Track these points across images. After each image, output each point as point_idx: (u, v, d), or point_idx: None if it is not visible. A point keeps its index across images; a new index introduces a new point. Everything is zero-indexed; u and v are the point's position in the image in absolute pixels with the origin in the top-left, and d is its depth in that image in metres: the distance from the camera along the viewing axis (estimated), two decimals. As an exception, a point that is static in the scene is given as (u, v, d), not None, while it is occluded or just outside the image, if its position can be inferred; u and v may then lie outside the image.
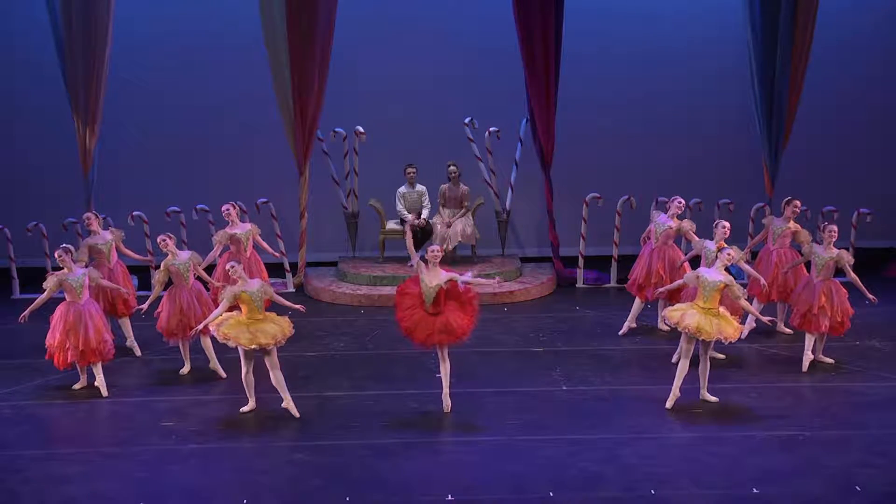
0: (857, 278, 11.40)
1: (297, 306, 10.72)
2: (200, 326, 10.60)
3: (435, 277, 10.24)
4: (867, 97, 16.00)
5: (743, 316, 11.47)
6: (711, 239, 11.80)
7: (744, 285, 12.28)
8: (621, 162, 15.85)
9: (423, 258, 10.33)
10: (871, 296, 11.47)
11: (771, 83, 14.57)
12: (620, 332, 12.76)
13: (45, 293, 10.97)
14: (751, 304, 12.47)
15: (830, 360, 11.72)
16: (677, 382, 10.49)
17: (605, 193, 15.15)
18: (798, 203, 12.51)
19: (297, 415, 10.38)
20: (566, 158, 15.23)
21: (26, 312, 10.94)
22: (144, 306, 11.52)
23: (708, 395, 10.69)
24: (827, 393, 11.04)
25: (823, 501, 8.74)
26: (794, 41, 14.35)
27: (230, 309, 10.46)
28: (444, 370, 10.44)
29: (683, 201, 12.62)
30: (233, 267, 10.41)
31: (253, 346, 10.19)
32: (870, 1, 15.89)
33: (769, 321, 11.28)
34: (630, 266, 12.95)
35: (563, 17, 14.59)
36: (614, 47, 15.67)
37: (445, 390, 10.47)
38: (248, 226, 12.64)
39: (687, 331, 10.30)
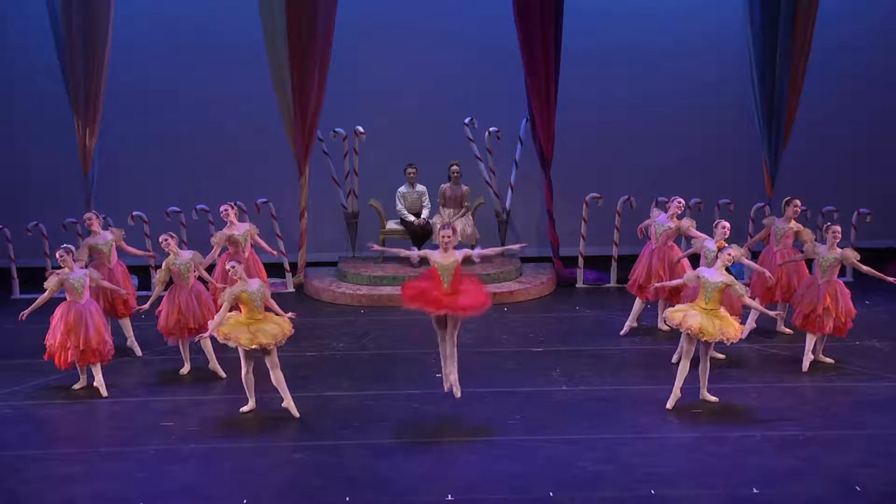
0: (870, 269, 11.39)
1: (289, 314, 10.64)
2: (206, 334, 10.57)
3: (450, 257, 10.16)
4: (867, 97, 16.01)
5: (742, 316, 11.48)
6: (711, 238, 11.80)
7: (745, 285, 12.28)
8: (621, 162, 15.85)
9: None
10: (891, 278, 11.41)
11: (771, 83, 14.56)
12: (622, 333, 12.76)
13: (47, 293, 10.97)
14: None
15: (830, 360, 11.72)
16: (678, 383, 10.49)
17: (605, 193, 15.14)
18: (798, 202, 12.51)
19: (297, 415, 10.38)
20: (566, 158, 15.22)
21: (27, 311, 10.93)
22: (146, 306, 11.52)
23: (708, 395, 10.69)
24: (827, 393, 11.04)
25: (823, 501, 8.74)
26: (794, 41, 14.35)
27: (230, 309, 10.47)
28: (451, 353, 10.24)
29: (683, 201, 12.61)
30: (233, 267, 10.40)
31: (253, 347, 10.19)
32: (870, 1, 15.90)
33: (777, 314, 11.30)
34: (630, 266, 12.95)
35: (563, 17, 14.59)
36: (614, 47, 15.67)
37: (454, 375, 10.28)
38: (246, 226, 12.63)
39: (689, 332, 10.29)
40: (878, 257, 15.30)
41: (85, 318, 10.87)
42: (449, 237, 10.18)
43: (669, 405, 10.50)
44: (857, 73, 15.88)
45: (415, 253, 10.50)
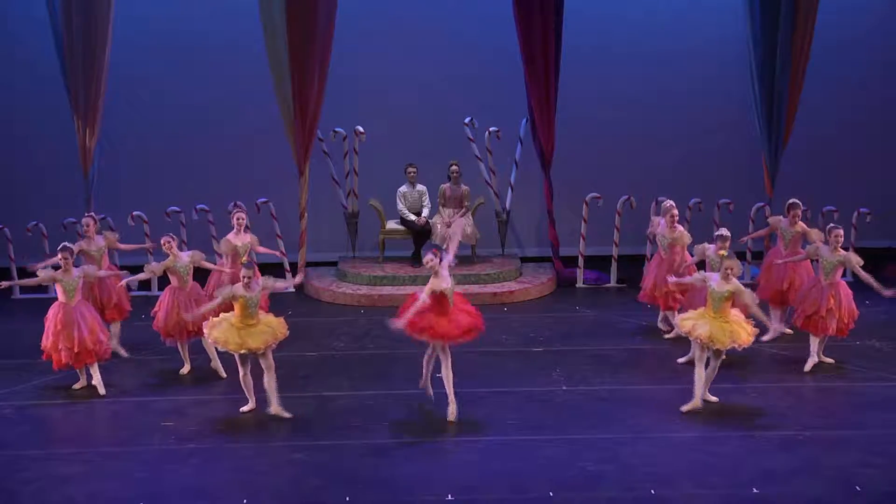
0: (869, 277, 11.31)
1: (296, 280, 10.86)
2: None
3: (445, 279, 10.17)
4: (867, 97, 16.01)
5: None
6: (712, 243, 11.71)
7: (751, 286, 12.14)
8: (621, 162, 15.85)
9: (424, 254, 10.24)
10: (887, 292, 11.31)
11: (771, 83, 14.56)
12: (666, 336, 12.58)
13: (37, 279, 10.97)
14: (765, 309, 12.35)
15: (831, 360, 11.72)
16: (698, 391, 10.37)
17: (605, 193, 15.15)
18: (798, 208, 12.36)
19: (288, 415, 10.33)
20: (566, 158, 15.23)
21: (10, 283, 11.29)
22: (131, 282, 11.54)
23: (708, 395, 10.68)
24: (827, 393, 11.05)
25: (823, 501, 8.74)
26: (794, 41, 14.35)
27: (229, 307, 10.47)
28: (448, 376, 10.36)
29: (677, 212, 12.45)
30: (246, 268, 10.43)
31: (242, 352, 10.18)
32: (870, 1, 15.90)
33: (788, 330, 11.13)
34: (629, 266, 12.96)
35: (563, 17, 14.60)
36: (614, 47, 15.68)
37: (451, 398, 10.34)
38: (248, 237, 12.43)
39: (699, 341, 10.26)
40: (879, 257, 15.36)
41: (76, 320, 10.82)
42: (431, 261, 10.09)
43: (685, 409, 10.39)
44: (857, 73, 15.89)
45: (425, 296, 10.05)
